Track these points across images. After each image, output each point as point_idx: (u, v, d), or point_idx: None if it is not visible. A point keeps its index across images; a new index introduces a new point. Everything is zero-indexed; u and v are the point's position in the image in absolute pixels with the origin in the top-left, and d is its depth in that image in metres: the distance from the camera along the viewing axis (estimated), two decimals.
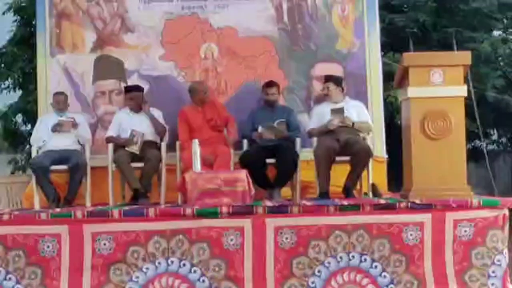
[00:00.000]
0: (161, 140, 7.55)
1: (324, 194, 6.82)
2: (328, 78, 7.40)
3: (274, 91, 7.63)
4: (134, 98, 7.67)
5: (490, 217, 5.77)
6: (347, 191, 6.88)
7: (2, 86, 12.13)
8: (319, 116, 7.29)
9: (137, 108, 7.64)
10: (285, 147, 7.18)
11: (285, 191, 7.38)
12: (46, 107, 8.05)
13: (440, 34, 12.93)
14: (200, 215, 5.84)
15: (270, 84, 7.67)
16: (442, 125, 6.16)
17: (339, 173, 7.10)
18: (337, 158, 6.95)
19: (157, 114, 7.69)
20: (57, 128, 7.38)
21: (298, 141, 7.39)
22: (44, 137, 7.47)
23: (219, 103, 7.80)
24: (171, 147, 7.57)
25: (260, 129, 7.30)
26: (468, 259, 5.76)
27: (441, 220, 5.76)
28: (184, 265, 5.80)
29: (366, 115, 7.35)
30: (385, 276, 5.75)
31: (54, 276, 5.80)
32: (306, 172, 7.46)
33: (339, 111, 7.07)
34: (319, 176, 6.96)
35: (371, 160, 7.18)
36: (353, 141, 6.88)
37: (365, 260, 5.77)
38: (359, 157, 6.83)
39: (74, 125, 7.41)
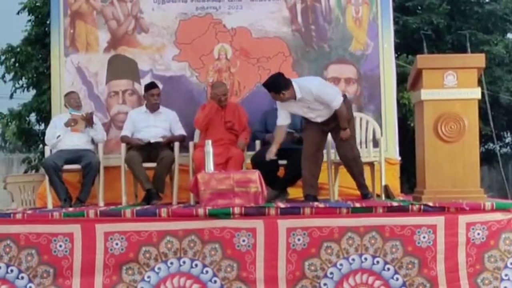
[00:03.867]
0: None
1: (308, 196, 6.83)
2: (269, 89, 6.64)
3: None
4: (161, 93, 7.71)
5: (503, 220, 5.73)
6: (364, 197, 6.91)
7: (16, 85, 12.18)
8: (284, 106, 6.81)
9: (158, 105, 7.67)
10: (295, 150, 7.11)
11: (298, 192, 7.37)
12: (60, 106, 8.07)
13: (454, 37, 12.91)
14: (213, 215, 5.83)
15: None
16: (455, 127, 6.12)
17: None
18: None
19: (172, 115, 7.72)
20: (71, 123, 7.39)
21: None
22: (58, 133, 7.47)
23: (243, 112, 7.69)
24: (184, 147, 7.58)
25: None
26: (481, 262, 5.73)
27: (454, 223, 5.72)
28: (196, 265, 5.79)
29: (324, 96, 6.60)
30: (397, 279, 5.72)
31: (66, 275, 5.80)
32: None
33: None
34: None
35: (383, 162, 7.18)
36: (341, 153, 6.89)
37: (378, 262, 5.75)
38: (351, 168, 6.89)
39: (89, 120, 7.43)
